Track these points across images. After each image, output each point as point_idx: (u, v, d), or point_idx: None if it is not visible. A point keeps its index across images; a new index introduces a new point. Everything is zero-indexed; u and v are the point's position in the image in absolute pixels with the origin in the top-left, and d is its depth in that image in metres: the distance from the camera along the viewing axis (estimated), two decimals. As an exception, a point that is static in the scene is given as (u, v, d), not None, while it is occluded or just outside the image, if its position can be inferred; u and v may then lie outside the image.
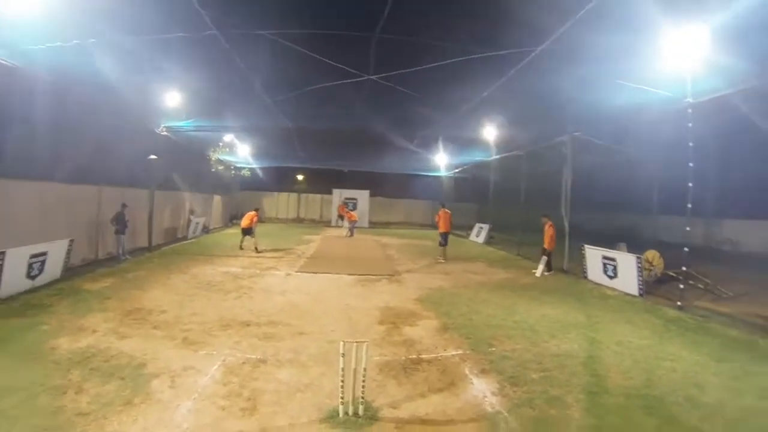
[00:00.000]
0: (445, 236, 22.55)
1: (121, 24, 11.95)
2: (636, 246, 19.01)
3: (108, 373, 7.25)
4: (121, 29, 12.27)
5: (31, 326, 9.58)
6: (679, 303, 13.46)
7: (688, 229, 13.69)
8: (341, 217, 41.85)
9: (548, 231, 19.32)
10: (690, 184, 13.49)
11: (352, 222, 34.17)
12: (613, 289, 16.00)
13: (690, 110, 13.49)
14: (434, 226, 24.13)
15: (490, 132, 24.54)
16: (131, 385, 6.86)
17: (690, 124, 13.51)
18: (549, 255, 19.24)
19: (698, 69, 12.55)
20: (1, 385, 6.74)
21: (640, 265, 15.21)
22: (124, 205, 18.15)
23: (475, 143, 27.87)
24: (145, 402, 6.37)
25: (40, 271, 13.10)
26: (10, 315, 10.33)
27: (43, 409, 6.13)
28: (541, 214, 20.30)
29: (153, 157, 20.96)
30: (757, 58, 11.33)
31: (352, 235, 33.41)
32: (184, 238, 27.53)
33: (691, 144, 13.53)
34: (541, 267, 19.06)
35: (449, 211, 23.22)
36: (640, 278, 15.07)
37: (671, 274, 16.70)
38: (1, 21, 10.46)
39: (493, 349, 9.35)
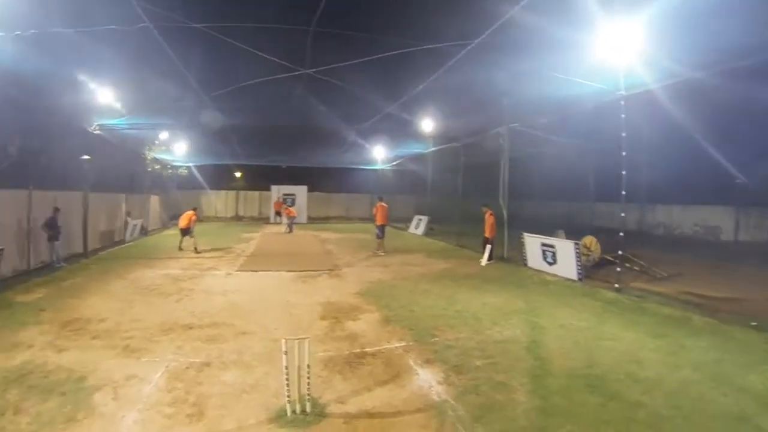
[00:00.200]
0: (381, 228, 22.92)
1: (49, 15, 11.44)
2: (574, 232, 19.54)
3: (47, 389, 6.94)
4: (49, 21, 11.75)
5: None
6: (616, 285, 13.97)
7: (623, 214, 14.40)
8: (278, 213, 41.84)
9: (488, 220, 19.70)
10: (623, 172, 14.05)
11: (291, 218, 34.10)
12: (553, 275, 16.40)
13: (623, 102, 14.00)
14: (373, 220, 24.24)
15: (427, 124, 24.74)
16: (73, 400, 6.60)
17: (623, 116, 13.99)
18: (491, 243, 19.60)
19: (631, 62, 13.00)
20: None
21: (578, 250, 15.67)
22: (56, 209, 17.34)
23: (412, 136, 28.08)
24: (88, 417, 6.15)
25: None
26: None
27: (-21, 432, 5.88)
28: (481, 203, 20.63)
29: (86, 157, 20.32)
30: (686, 52, 11.76)
31: (291, 231, 33.37)
32: (122, 241, 26.82)
33: (624, 134, 14.05)
34: (486, 256, 19.39)
35: (386, 205, 23.58)
36: (579, 263, 15.52)
37: (608, 258, 17.18)
38: None
39: (436, 339, 9.46)
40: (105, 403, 6.53)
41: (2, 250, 13.89)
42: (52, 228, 17.10)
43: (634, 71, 13.23)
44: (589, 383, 7.16)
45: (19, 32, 11.87)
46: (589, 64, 13.64)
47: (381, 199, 24.09)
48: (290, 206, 38.17)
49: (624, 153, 14.03)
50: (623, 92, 13.92)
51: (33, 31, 11.88)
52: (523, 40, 12.65)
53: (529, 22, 11.08)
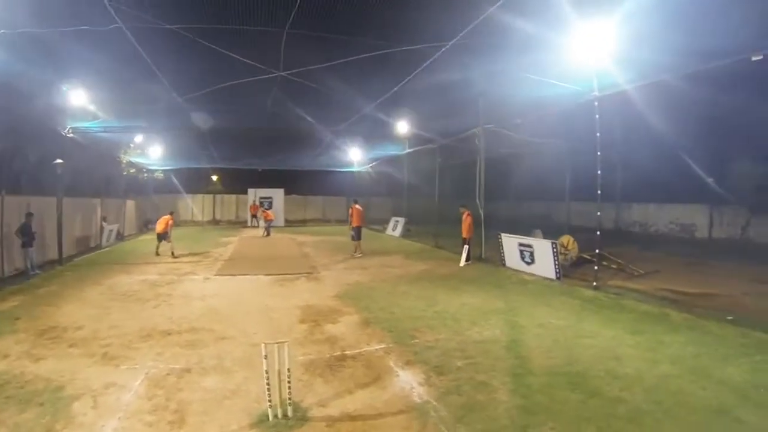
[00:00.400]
0: (357, 230, 23.00)
1: (20, 16, 11.20)
2: (551, 232, 19.66)
3: (25, 399, 6.83)
4: (20, 22, 11.52)
5: None
6: (594, 283, 14.15)
7: (599, 213, 14.54)
8: (254, 216, 41.91)
9: (466, 220, 19.92)
10: (599, 172, 14.18)
11: (269, 221, 34.06)
12: (532, 275, 16.50)
13: (596, 103, 14.26)
14: (349, 222, 24.34)
15: (403, 126, 24.66)
16: (51, 410, 6.50)
17: (597, 116, 14.22)
18: (469, 244, 19.72)
19: (604, 64, 13.13)
20: None
21: (555, 250, 15.78)
22: (29, 215, 17.03)
23: (389, 138, 28.00)
24: (67, 427, 6.06)
25: None
26: None
27: (-44, 447, 5.77)
28: (459, 204, 20.87)
29: (59, 161, 20.05)
30: (658, 53, 11.92)
31: (268, 234, 33.28)
32: (98, 246, 26.53)
33: (598, 134, 14.23)
34: (464, 257, 19.50)
35: (360, 207, 23.82)
36: (557, 263, 15.63)
37: (586, 256, 17.44)
38: None
39: (416, 340, 9.47)
40: (84, 412, 6.44)
41: (-26, 258, 13.66)
42: (26, 234, 16.77)
43: (608, 72, 13.38)
44: (569, 381, 7.22)
45: None
46: (563, 65, 13.77)
47: (356, 202, 24.37)
48: (267, 209, 37.98)
49: (599, 153, 14.16)
50: (597, 93, 14.15)
51: (2, 31, 11.67)
52: (498, 41, 12.68)
53: (504, 23, 11.12)
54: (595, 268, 14.52)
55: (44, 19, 11.50)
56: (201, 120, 23.29)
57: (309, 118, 23.57)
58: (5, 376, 7.71)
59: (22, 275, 16.81)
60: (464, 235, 19.90)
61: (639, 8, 10.45)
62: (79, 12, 11.24)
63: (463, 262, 19.36)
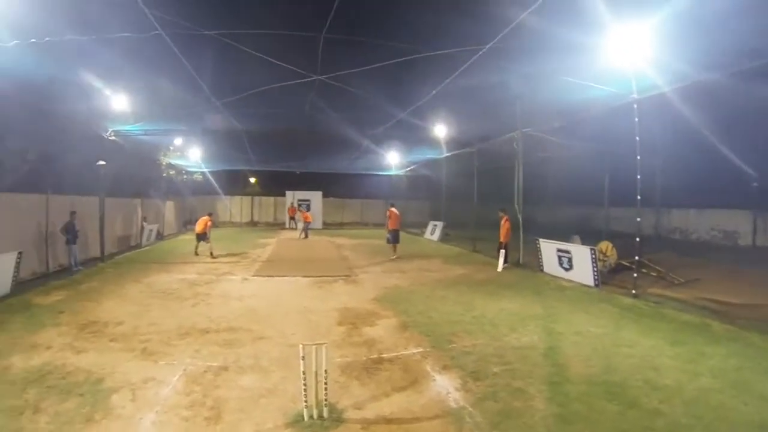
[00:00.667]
0: (394, 233, 22.88)
1: (64, 24, 11.58)
2: (589, 237, 19.38)
3: (66, 390, 7.02)
4: (64, 30, 11.88)
5: None
6: (633, 291, 13.86)
7: (638, 219, 14.17)
8: (293, 218, 42.14)
9: (504, 225, 19.79)
10: (638, 176, 13.86)
11: (307, 223, 34.04)
12: (570, 281, 16.28)
13: (635, 105, 13.93)
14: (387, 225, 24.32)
15: (441, 129, 24.55)
16: (91, 401, 6.66)
17: (636, 119, 13.92)
18: (506, 248, 19.63)
19: (643, 65, 12.85)
20: None
21: (594, 256, 15.49)
22: (73, 213, 17.64)
23: (427, 141, 27.93)
24: (106, 418, 6.20)
25: None
26: None
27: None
28: (498, 208, 20.72)
29: (102, 162, 20.49)
30: (698, 54, 11.67)
31: (306, 236, 33.30)
32: (138, 245, 27.05)
33: (637, 138, 13.88)
34: (501, 261, 19.40)
35: (397, 210, 23.65)
36: (595, 269, 15.36)
37: (625, 263, 17.15)
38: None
39: (454, 345, 9.41)
40: (123, 404, 6.58)
41: (21, 253, 14.11)
42: (70, 232, 17.40)
43: (647, 74, 13.09)
44: (607, 390, 7.09)
45: (34, 40, 11.97)
46: (600, 67, 13.53)
47: (393, 205, 24.22)
48: (305, 211, 38.08)
49: (639, 157, 13.85)
50: (636, 95, 13.85)
51: (48, 39, 11.98)
52: (534, 44, 12.59)
53: (541, 26, 11.05)
54: (635, 275, 14.21)
55: (88, 27, 11.87)
56: (237, 122, 23.51)
57: (347, 122, 23.67)
58: (48, 367, 7.96)
59: (65, 271, 17.40)
60: (502, 239, 19.81)
61: (679, 7, 10.25)
62: (121, 20, 11.58)
63: (500, 267, 19.24)
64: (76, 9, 10.95)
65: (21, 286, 14.34)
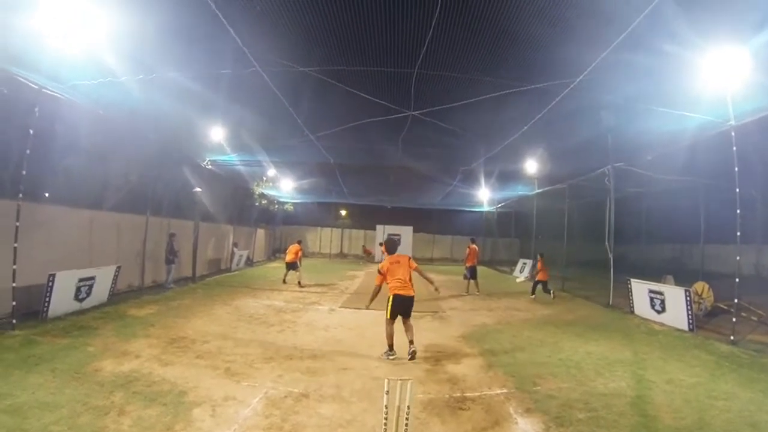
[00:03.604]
0: (471, 270, 22.87)
1: (168, 61, 12.40)
2: (683, 277, 18.65)
3: (150, 398, 7.31)
4: (167, 66, 12.71)
5: (76, 347, 9.89)
6: (731, 337, 12.90)
7: (738, 258, 13.04)
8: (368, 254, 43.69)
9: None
10: (738, 211, 12.93)
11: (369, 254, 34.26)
12: (662, 324, 15.48)
13: (733, 133, 13.04)
14: (478, 263, 24.16)
15: (531, 165, 24.21)
16: (172, 411, 6.87)
17: (734, 148, 13.04)
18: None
19: (738, 90, 12.11)
20: (44, 401, 6.92)
21: (689, 298, 14.61)
22: (172, 235, 18.74)
23: (517, 177, 27.62)
24: (185, 429, 6.35)
25: (88, 294, 13.60)
26: (56, 335, 10.73)
27: (85, 427, 6.21)
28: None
29: (198, 189, 21.33)
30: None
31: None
32: (228, 269, 27.94)
33: (736, 169, 12.96)
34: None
35: (476, 247, 23.93)
36: (690, 312, 14.50)
37: (722, 306, 16.24)
38: (54, 57, 10.79)
39: (538, 387, 9.10)
40: (203, 418, 6.71)
41: (119, 267, 14.91)
42: (171, 252, 18.47)
43: (744, 98, 12.31)
44: (699, 446, 6.67)
45: (141, 76, 12.91)
46: (694, 94, 12.73)
47: (473, 242, 24.36)
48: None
49: (738, 189, 12.90)
50: (733, 122, 12.96)
51: (153, 75, 12.92)
52: (621, 75, 12.28)
53: (628, 57, 10.87)
54: (733, 319, 13.14)
55: (190, 64, 12.76)
56: (329, 156, 23.97)
57: (439, 158, 23.78)
58: (135, 374, 8.34)
59: (158, 287, 18.35)
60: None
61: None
62: (221, 57, 12.30)
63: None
64: (180, 49, 11.73)
65: (117, 297, 15.30)
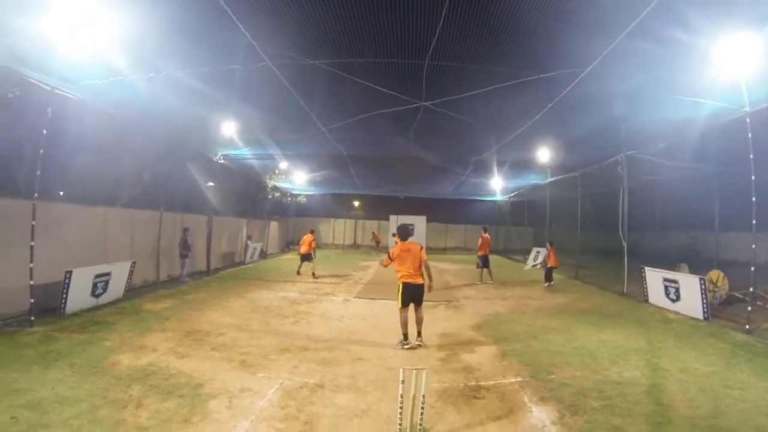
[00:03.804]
0: (484, 258, 23.10)
1: (178, 58, 12.42)
2: (698, 266, 18.50)
3: (167, 390, 7.43)
4: (178, 64, 12.77)
5: (93, 342, 10.05)
6: (747, 326, 12.79)
7: (753, 246, 12.94)
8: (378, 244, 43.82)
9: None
10: (753, 198, 12.86)
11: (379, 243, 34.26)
12: (676, 313, 15.40)
13: (748, 120, 12.80)
14: (490, 252, 24.16)
15: (544, 154, 24.07)
16: (189, 403, 6.98)
17: (749, 134, 12.84)
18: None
19: (753, 76, 11.88)
20: (63, 395, 7.04)
21: (703, 286, 14.52)
22: (186, 230, 18.90)
23: (529, 166, 27.51)
24: (203, 421, 6.45)
25: (104, 290, 13.73)
26: (74, 330, 10.90)
27: (104, 420, 6.33)
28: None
29: (210, 183, 21.47)
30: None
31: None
32: (242, 262, 28.07)
33: (751, 156, 12.82)
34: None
35: (488, 236, 24.04)
36: (705, 301, 14.41)
37: (738, 295, 16.11)
38: (64, 58, 10.86)
39: (553, 376, 9.12)
40: (219, 410, 6.82)
41: (134, 262, 15.05)
42: (184, 246, 18.68)
43: (758, 84, 12.10)
44: (713, 435, 6.65)
45: (151, 74, 13.00)
46: (708, 80, 12.52)
47: (485, 230, 24.45)
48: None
49: (753, 176, 12.78)
50: (748, 108, 12.68)
51: (163, 73, 12.97)
52: (634, 62, 12.15)
53: (640, 45, 10.78)
54: (749, 308, 13.01)
55: (200, 61, 12.76)
56: (341, 148, 23.97)
57: (451, 148, 23.71)
58: (152, 368, 8.48)
59: (173, 281, 18.53)
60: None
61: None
62: (231, 53, 12.33)
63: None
64: (190, 46, 11.74)
65: (132, 292, 15.42)
